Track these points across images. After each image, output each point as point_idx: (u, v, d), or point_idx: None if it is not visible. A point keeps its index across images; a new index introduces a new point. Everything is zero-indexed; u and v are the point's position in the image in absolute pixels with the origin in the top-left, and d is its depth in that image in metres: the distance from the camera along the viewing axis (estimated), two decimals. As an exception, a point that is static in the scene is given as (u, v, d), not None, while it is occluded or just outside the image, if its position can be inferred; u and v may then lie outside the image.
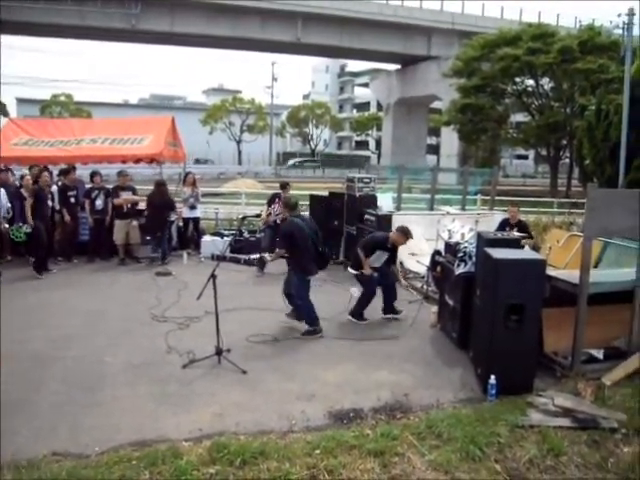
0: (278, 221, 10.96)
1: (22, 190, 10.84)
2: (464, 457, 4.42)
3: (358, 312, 8.06)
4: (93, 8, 42.40)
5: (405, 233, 7.98)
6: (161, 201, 11.53)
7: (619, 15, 20.49)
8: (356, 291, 8.09)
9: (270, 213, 11.24)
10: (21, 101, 65.10)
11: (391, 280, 8.28)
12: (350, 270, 8.27)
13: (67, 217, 11.17)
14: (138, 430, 4.77)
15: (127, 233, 11.59)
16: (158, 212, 11.42)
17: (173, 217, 12.63)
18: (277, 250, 7.45)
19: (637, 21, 20.22)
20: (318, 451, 4.43)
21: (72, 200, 11.39)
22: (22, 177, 11.56)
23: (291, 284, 7.59)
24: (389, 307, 8.17)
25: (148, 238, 11.81)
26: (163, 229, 11.60)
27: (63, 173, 11.87)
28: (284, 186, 11.54)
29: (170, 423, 4.91)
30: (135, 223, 11.68)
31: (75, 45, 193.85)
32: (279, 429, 4.85)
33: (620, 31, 20.96)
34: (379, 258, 8.08)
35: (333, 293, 9.36)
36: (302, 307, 7.46)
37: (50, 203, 10.77)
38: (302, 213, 7.91)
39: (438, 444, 4.60)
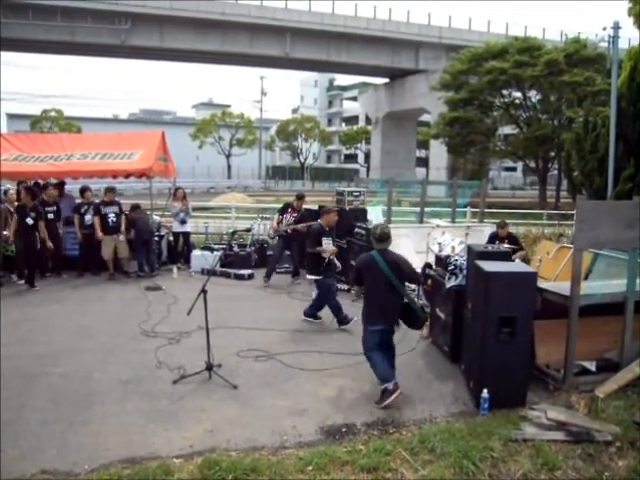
0: (289, 231, 11.04)
1: (7, 205, 10.83)
2: (458, 472, 4.39)
3: (313, 314, 8.56)
4: (83, 24, 42.61)
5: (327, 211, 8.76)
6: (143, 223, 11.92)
7: (604, 28, 20.66)
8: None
9: (281, 221, 11.29)
10: (11, 116, 64.94)
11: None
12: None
13: (43, 233, 10.85)
14: (128, 447, 4.70)
15: (115, 248, 11.53)
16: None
17: (163, 232, 12.65)
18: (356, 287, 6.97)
19: (622, 34, 20.31)
20: (310, 467, 4.39)
21: (50, 216, 11.22)
22: (5, 192, 11.48)
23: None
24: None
25: (136, 253, 11.75)
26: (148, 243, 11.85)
27: (42, 188, 11.87)
28: (300, 197, 11.55)
29: (160, 440, 4.85)
30: (122, 238, 11.58)
31: (65, 61, 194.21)
32: (271, 445, 4.80)
33: (605, 44, 21.11)
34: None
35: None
36: (370, 362, 5.99)
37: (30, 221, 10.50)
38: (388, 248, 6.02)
39: (431, 459, 4.56)
